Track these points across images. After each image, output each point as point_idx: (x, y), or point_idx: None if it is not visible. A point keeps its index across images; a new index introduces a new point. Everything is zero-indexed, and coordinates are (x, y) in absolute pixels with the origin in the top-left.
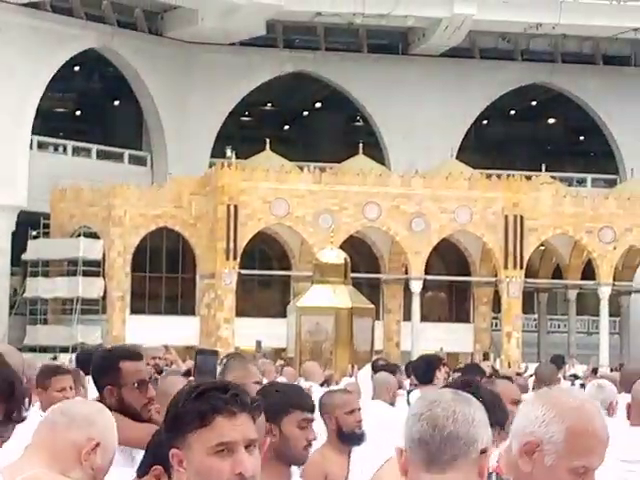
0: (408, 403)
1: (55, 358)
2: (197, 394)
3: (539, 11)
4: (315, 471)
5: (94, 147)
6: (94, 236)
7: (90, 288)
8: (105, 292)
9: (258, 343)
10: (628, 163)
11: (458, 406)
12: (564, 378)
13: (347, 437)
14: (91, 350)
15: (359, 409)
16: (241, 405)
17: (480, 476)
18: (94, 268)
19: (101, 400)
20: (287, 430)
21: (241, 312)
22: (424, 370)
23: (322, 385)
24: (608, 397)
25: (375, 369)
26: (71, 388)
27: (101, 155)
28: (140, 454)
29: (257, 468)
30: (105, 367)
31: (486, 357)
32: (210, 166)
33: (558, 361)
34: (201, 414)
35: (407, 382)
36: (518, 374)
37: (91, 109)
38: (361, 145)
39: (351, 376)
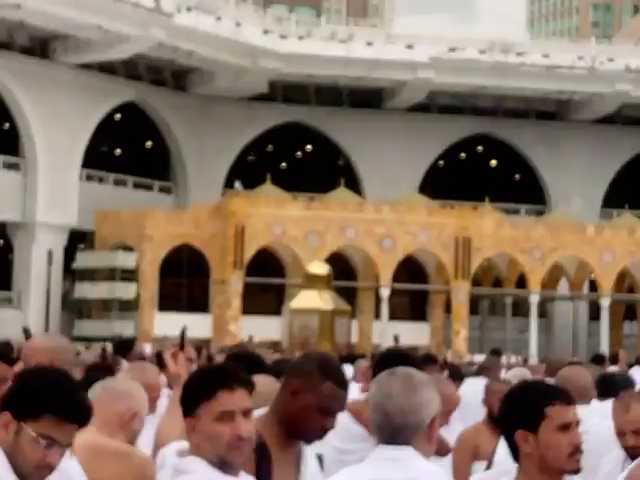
0: None
1: (104, 349)
2: (203, 374)
3: (485, 76)
4: (467, 443)
5: (130, 179)
6: (130, 249)
7: (126, 291)
8: (138, 294)
9: (250, 338)
10: (554, 197)
11: (407, 398)
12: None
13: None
14: (125, 339)
15: None
16: (238, 381)
17: (429, 441)
18: (129, 275)
19: None
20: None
21: (245, 311)
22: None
23: None
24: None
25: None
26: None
27: (136, 185)
28: None
29: (252, 431)
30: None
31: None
32: (222, 195)
33: (497, 353)
34: (206, 389)
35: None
36: (469, 364)
37: (128, 149)
38: (342, 180)
39: None
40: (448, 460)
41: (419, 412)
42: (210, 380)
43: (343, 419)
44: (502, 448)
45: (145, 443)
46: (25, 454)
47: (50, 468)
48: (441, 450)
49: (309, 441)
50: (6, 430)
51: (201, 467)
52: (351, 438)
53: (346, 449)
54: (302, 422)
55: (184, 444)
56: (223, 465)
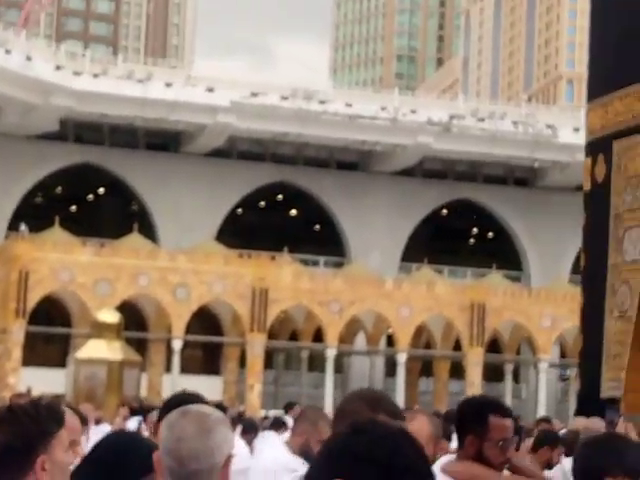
0: None
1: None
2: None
3: (286, 122)
4: None
5: None
6: None
7: None
8: None
9: (29, 390)
10: (352, 249)
11: (200, 442)
12: None
13: None
14: None
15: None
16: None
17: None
18: None
19: (460, 447)
20: None
21: (27, 362)
22: None
23: (96, 424)
24: None
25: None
26: None
27: None
28: None
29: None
30: (473, 417)
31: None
32: (6, 238)
33: (290, 407)
34: (58, 422)
35: None
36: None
37: None
38: (136, 225)
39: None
40: None
41: (214, 455)
42: (49, 416)
43: None
44: None
45: None
46: None
47: None
48: None
49: None
50: None
51: None
52: None
53: None
54: None
55: None
56: None
